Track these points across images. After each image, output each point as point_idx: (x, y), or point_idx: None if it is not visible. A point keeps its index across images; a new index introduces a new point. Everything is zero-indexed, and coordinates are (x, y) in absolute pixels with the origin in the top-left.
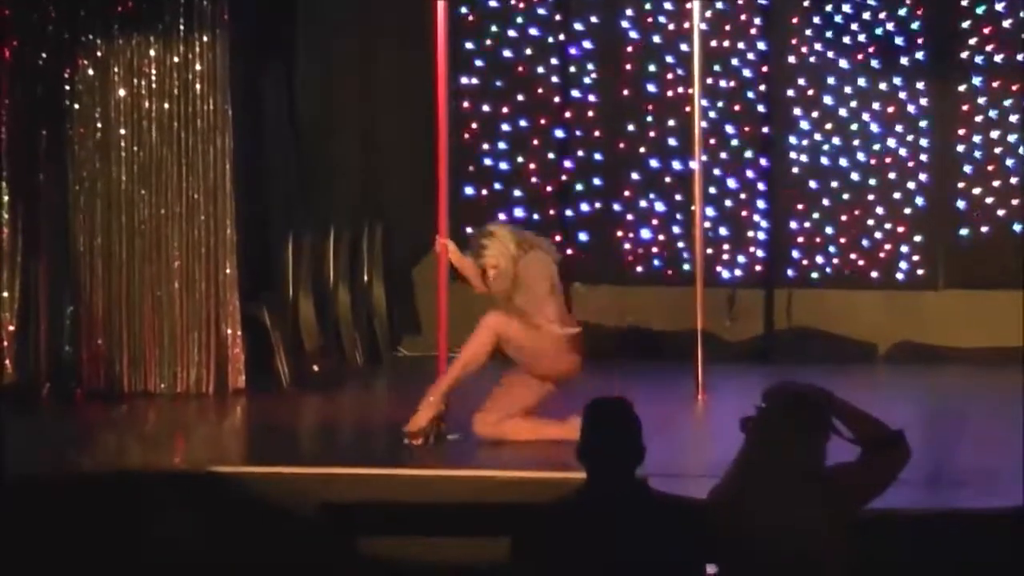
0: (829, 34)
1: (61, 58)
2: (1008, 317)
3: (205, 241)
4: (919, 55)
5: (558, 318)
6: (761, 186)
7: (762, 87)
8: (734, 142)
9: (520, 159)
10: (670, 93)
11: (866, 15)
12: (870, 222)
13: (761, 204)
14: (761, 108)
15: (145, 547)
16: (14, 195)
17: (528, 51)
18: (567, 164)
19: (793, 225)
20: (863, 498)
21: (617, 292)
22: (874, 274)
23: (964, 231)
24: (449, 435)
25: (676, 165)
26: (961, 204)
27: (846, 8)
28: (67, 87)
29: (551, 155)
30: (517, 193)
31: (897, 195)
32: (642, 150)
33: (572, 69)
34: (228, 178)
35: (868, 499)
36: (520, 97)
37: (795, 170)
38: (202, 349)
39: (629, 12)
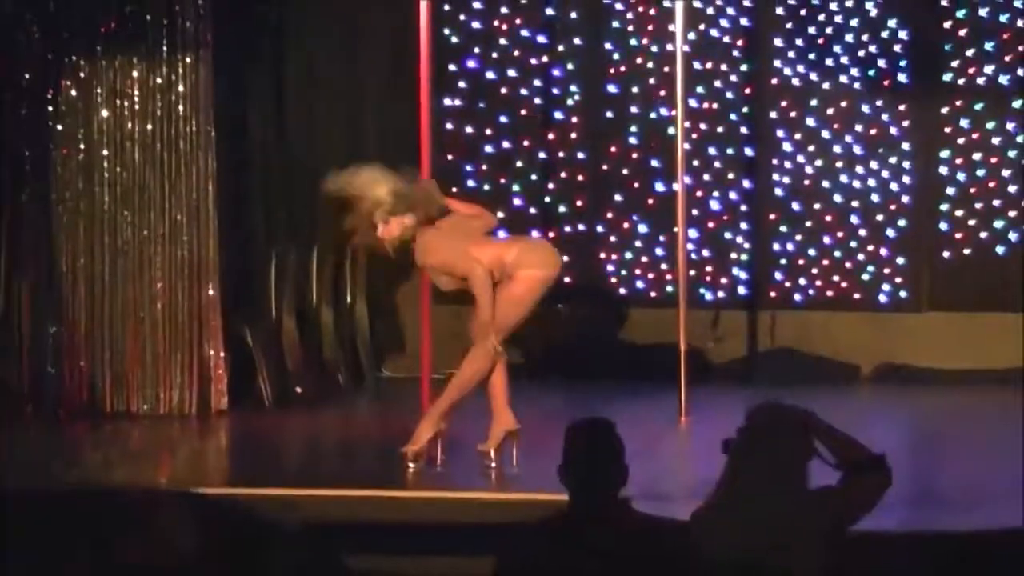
0: (812, 56)
1: (44, 79)
2: (991, 339)
3: (188, 262)
4: (902, 77)
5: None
6: (744, 208)
7: (745, 109)
8: (717, 164)
9: (503, 180)
10: (653, 115)
11: (849, 37)
12: (853, 244)
13: (744, 225)
14: (744, 130)
15: (126, 568)
16: None
17: (511, 72)
18: (550, 185)
19: (776, 246)
20: (846, 521)
21: (599, 313)
22: (857, 296)
23: (947, 253)
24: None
25: (659, 186)
26: (944, 226)
27: (829, 30)
28: (50, 108)
29: (534, 176)
30: (500, 214)
31: (880, 217)
32: (625, 171)
33: (555, 91)
34: (211, 199)
35: (851, 522)
36: (503, 118)
37: (778, 192)
38: (185, 370)
39: (612, 34)
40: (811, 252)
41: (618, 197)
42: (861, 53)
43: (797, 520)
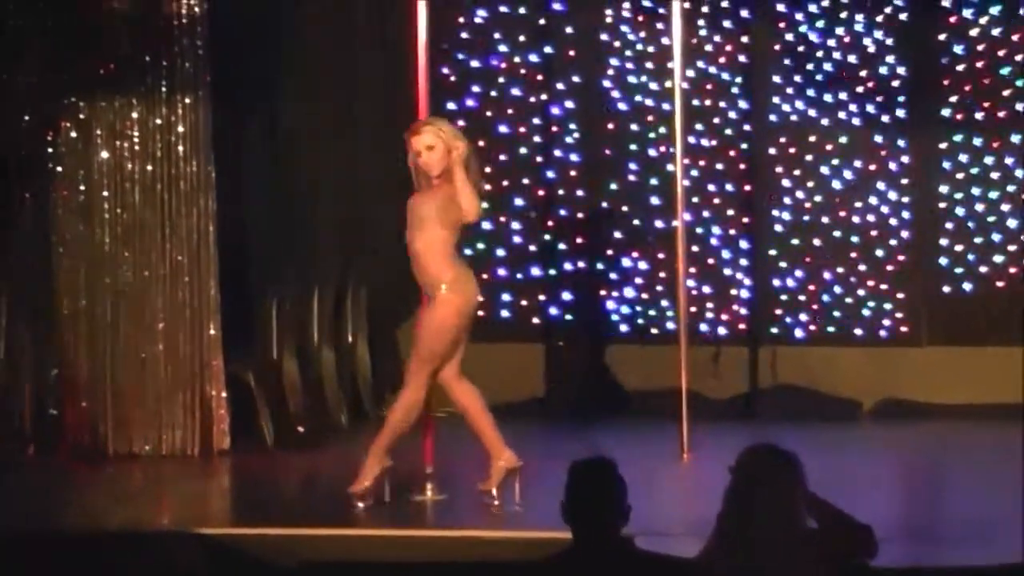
0: (811, 92)
1: (44, 120)
2: (992, 373)
3: (189, 302)
4: (900, 112)
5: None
6: (744, 243)
7: (744, 145)
8: (716, 200)
9: (503, 218)
10: (652, 152)
11: (847, 73)
12: (853, 279)
13: (744, 261)
14: (743, 166)
15: None
16: None
17: (510, 111)
18: (550, 223)
19: (776, 282)
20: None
21: (600, 351)
22: (858, 331)
23: (947, 288)
24: (436, 496)
25: (659, 223)
26: (944, 260)
27: (827, 67)
28: (50, 149)
29: (533, 214)
30: (500, 252)
31: (880, 252)
32: (625, 208)
33: (554, 128)
34: (211, 239)
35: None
36: (502, 156)
37: (778, 227)
38: (186, 410)
39: (611, 72)
40: (811, 287)
41: (618, 234)
42: (859, 89)
43: (796, 556)
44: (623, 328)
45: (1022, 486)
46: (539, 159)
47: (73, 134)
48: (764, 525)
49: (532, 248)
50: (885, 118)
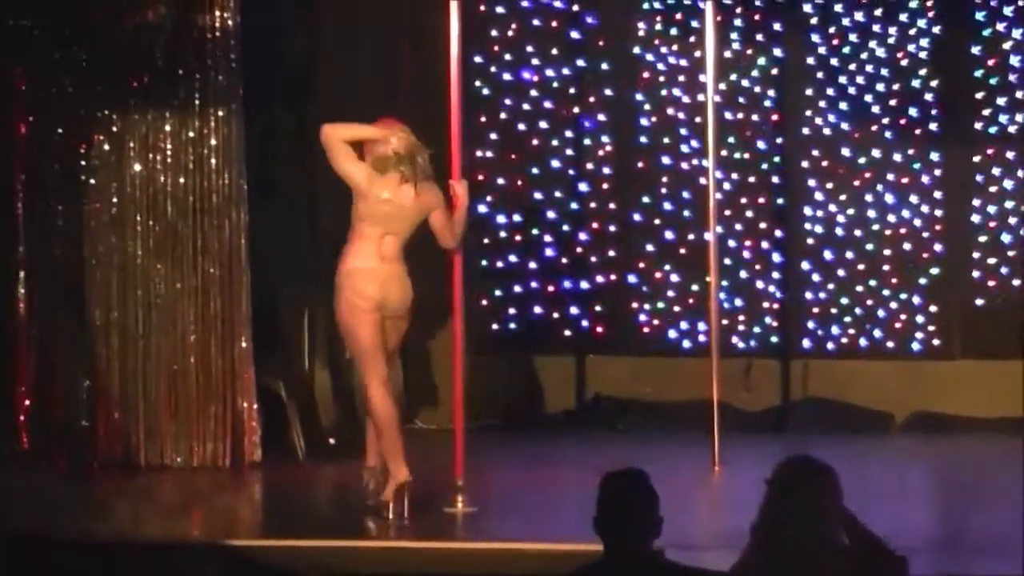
0: (843, 105)
1: (77, 133)
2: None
3: (220, 314)
4: (933, 125)
5: None
6: (776, 257)
7: (776, 158)
8: (749, 213)
9: (535, 231)
10: (685, 165)
11: (880, 86)
12: (885, 292)
13: (776, 275)
14: (775, 179)
15: None
16: (30, 269)
17: (543, 124)
18: (582, 236)
19: (808, 295)
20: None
21: (633, 363)
22: (890, 344)
23: (979, 301)
24: (466, 508)
25: (691, 236)
26: (976, 274)
27: (860, 80)
28: (83, 162)
29: (566, 227)
30: (532, 265)
31: (912, 265)
32: (657, 222)
33: (587, 142)
34: (243, 252)
35: None
36: (535, 170)
37: (810, 241)
38: (218, 422)
39: (642, 85)
40: (843, 300)
41: (650, 247)
42: (892, 102)
43: (832, 569)
44: (655, 341)
45: None
46: (571, 172)
47: (106, 147)
48: (798, 537)
49: (564, 261)
50: (917, 131)
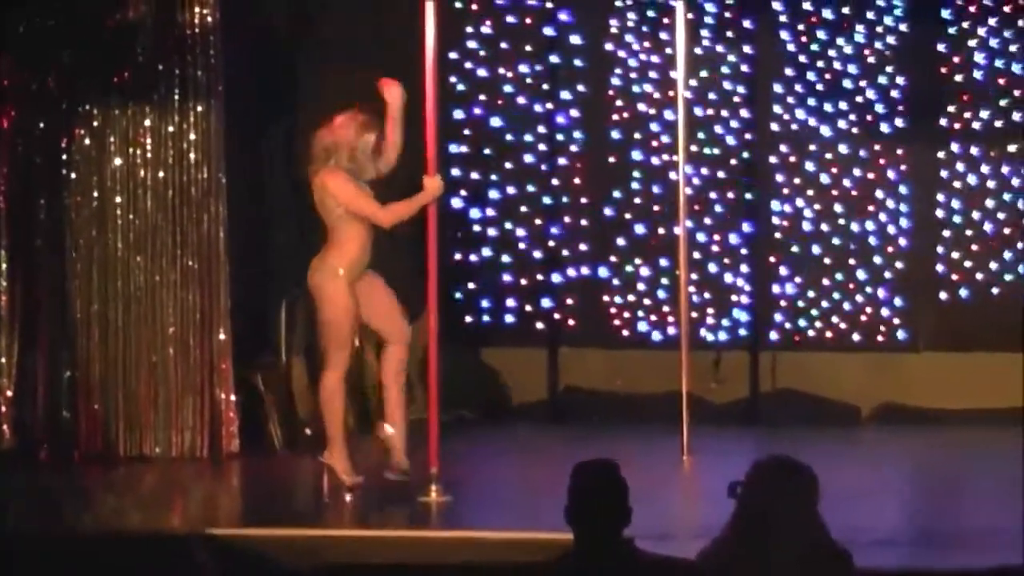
0: (811, 101)
1: (58, 128)
2: (989, 378)
3: (199, 307)
4: (899, 122)
5: None
6: (745, 251)
7: (746, 154)
8: (718, 207)
9: (508, 225)
10: (655, 160)
11: (847, 83)
12: (852, 286)
13: (745, 268)
14: (745, 174)
15: None
16: (12, 262)
17: (516, 119)
18: (554, 230)
19: (776, 289)
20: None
21: (604, 356)
22: (856, 337)
23: (944, 294)
24: (441, 497)
25: (661, 230)
26: (941, 268)
27: (828, 76)
28: (64, 156)
29: (539, 221)
30: (506, 259)
31: (878, 259)
32: (628, 216)
33: (559, 137)
34: (222, 245)
35: None
36: (508, 164)
37: (778, 235)
38: (196, 413)
39: (615, 81)
40: (811, 294)
41: (621, 241)
42: (859, 99)
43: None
44: (625, 333)
45: (1020, 491)
46: (544, 167)
47: (87, 141)
48: (778, 534)
49: (537, 254)
50: (884, 127)
